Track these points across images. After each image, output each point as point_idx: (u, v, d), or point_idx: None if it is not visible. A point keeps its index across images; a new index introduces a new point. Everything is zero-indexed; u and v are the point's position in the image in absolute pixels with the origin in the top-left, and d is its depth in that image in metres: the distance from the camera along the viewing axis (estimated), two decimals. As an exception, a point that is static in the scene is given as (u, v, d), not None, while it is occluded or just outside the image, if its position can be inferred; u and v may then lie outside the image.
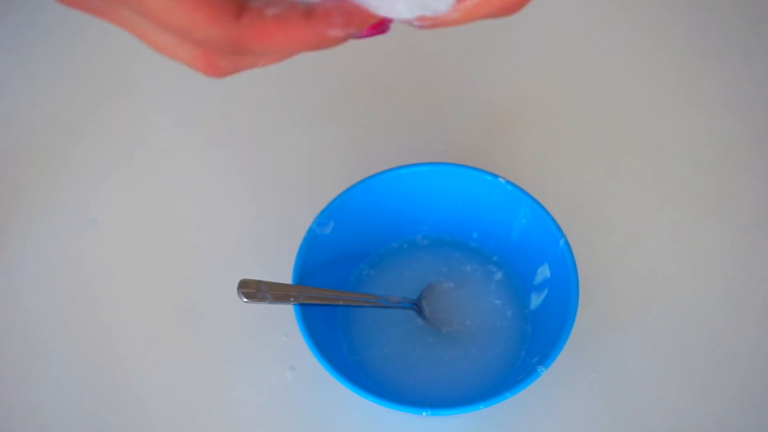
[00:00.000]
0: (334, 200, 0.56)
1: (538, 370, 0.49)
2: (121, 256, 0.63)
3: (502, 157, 0.67)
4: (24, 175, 0.67)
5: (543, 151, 0.67)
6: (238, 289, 0.51)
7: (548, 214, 0.55)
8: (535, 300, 0.57)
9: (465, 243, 0.61)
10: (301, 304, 0.51)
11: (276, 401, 0.56)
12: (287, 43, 0.29)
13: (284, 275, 0.54)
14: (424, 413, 0.48)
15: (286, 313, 0.57)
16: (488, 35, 0.74)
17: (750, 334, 0.58)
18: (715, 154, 0.67)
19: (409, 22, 0.31)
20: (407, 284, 0.59)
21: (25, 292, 0.61)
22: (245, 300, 0.51)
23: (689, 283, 0.61)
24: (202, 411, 0.56)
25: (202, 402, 0.56)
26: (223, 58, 0.30)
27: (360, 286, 0.59)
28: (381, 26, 0.30)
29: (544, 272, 0.56)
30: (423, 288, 0.58)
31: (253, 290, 0.52)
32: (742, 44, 0.73)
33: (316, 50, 0.30)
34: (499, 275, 0.59)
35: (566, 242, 0.53)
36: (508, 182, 0.56)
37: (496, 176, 0.56)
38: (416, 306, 0.57)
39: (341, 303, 0.54)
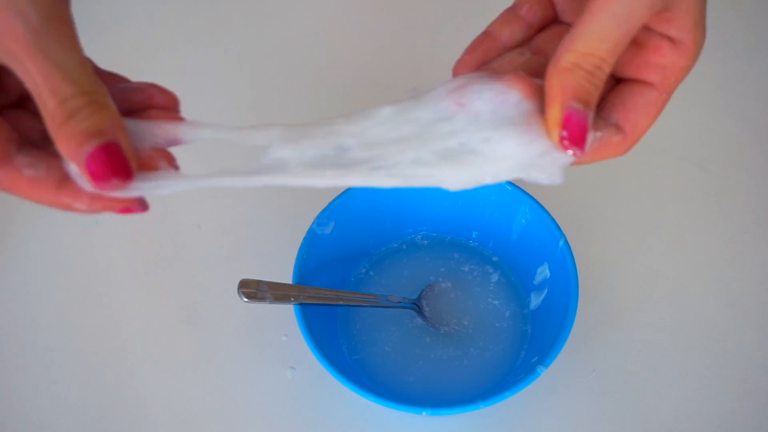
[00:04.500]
0: (334, 200, 0.56)
1: (538, 369, 0.49)
2: (122, 256, 0.63)
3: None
4: (24, 175, 0.67)
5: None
6: (238, 289, 0.51)
7: (548, 214, 0.55)
8: (535, 300, 0.57)
9: (465, 243, 0.61)
10: (301, 304, 0.51)
11: (276, 401, 0.56)
12: (40, 202, 0.32)
13: (284, 275, 0.54)
14: (423, 413, 0.48)
15: (286, 313, 0.57)
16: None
17: (749, 333, 0.58)
18: (715, 154, 0.67)
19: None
20: (407, 284, 0.59)
21: (25, 292, 0.61)
22: (245, 300, 0.51)
23: (689, 283, 0.61)
24: (202, 410, 0.56)
25: (202, 402, 0.57)
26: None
27: (360, 286, 0.59)
28: (131, 210, 0.34)
29: (543, 272, 0.56)
30: (423, 288, 0.58)
31: (253, 290, 0.52)
32: (741, 44, 0.73)
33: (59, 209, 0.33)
34: (498, 275, 0.59)
35: (566, 242, 0.53)
36: (508, 182, 0.56)
37: (496, 176, 0.56)
38: (416, 306, 0.57)
39: (341, 303, 0.54)
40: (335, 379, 0.49)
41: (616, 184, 0.66)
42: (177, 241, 0.64)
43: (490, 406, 0.49)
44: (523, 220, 0.56)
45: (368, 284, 0.59)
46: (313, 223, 0.55)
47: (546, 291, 0.56)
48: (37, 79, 0.30)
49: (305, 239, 0.54)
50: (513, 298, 0.58)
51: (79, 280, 0.62)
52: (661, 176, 0.66)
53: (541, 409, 0.55)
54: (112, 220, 0.65)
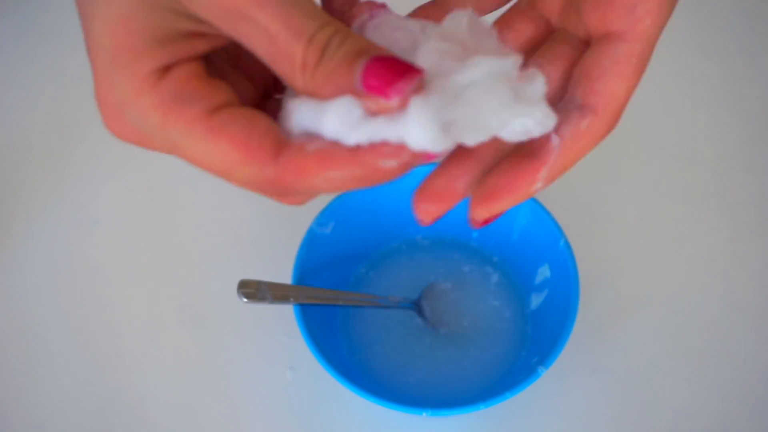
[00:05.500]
0: (334, 200, 0.56)
1: (539, 370, 0.49)
2: (121, 256, 0.63)
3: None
4: (24, 175, 0.67)
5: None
6: (238, 289, 0.51)
7: (548, 214, 0.55)
8: (536, 300, 0.57)
9: (465, 243, 0.61)
10: (301, 304, 0.51)
11: (276, 401, 0.56)
12: (333, 182, 0.26)
13: (284, 275, 0.54)
14: (423, 413, 0.48)
15: (286, 313, 0.57)
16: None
17: (750, 333, 0.58)
18: (715, 154, 0.67)
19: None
20: (407, 284, 0.59)
21: (25, 292, 0.61)
22: (245, 300, 0.51)
23: (689, 283, 0.61)
24: (202, 411, 0.56)
25: (202, 402, 0.56)
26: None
27: (360, 286, 0.59)
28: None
29: (544, 272, 0.56)
30: (423, 288, 0.58)
31: (253, 290, 0.52)
32: (742, 43, 0.73)
33: (371, 186, 0.27)
34: (499, 275, 0.59)
35: (566, 242, 0.53)
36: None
37: (496, 176, 0.56)
38: (416, 306, 0.57)
39: (341, 303, 0.54)
40: (335, 379, 0.49)
41: (616, 183, 0.65)
42: (177, 241, 0.64)
43: (490, 407, 0.48)
44: (524, 220, 0.56)
45: (368, 284, 0.59)
46: (313, 223, 0.55)
47: (546, 291, 0.56)
48: (273, 28, 0.25)
49: (305, 239, 0.54)
50: (513, 298, 0.58)
51: (79, 280, 0.62)
52: (661, 176, 0.66)
53: (541, 410, 0.55)
54: (112, 220, 0.65)
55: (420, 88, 0.26)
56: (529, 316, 0.57)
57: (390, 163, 0.26)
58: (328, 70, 0.25)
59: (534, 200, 0.55)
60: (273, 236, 0.63)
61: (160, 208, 0.65)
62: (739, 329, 0.58)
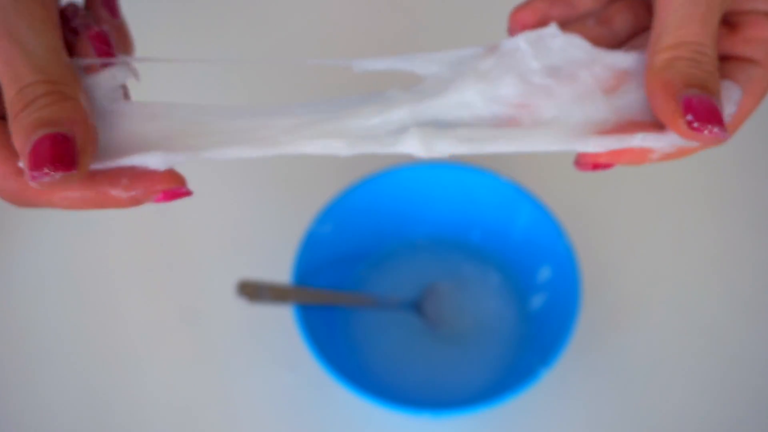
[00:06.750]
0: (334, 200, 0.56)
1: (539, 371, 0.49)
2: (121, 255, 0.63)
3: (503, 157, 0.66)
4: (23, 175, 0.67)
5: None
6: (237, 289, 0.51)
7: (550, 213, 0.54)
8: (537, 300, 0.57)
9: (465, 243, 0.60)
10: (301, 305, 0.51)
11: (275, 403, 0.56)
12: (70, 201, 0.29)
13: (284, 275, 0.54)
14: (424, 414, 0.48)
15: (286, 313, 0.57)
16: (489, 34, 0.73)
17: (754, 334, 0.58)
18: (715, 154, 0.67)
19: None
20: (407, 284, 0.59)
21: (25, 292, 0.61)
22: (245, 300, 0.51)
23: (691, 284, 0.60)
24: (201, 411, 0.56)
25: (201, 402, 0.56)
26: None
27: (360, 286, 0.59)
28: (174, 194, 0.31)
29: (545, 273, 0.56)
30: (423, 288, 0.58)
31: (253, 290, 0.52)
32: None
33: (102, 209, 0.30)
34: (499, 275, 0.59)
35: (568, 242, 0.53)
36: (509, 182, 0.56)
37: (497, 176, 0.56)
38: (416, 306, 0.57)
39: (341, 303, 0.54)
40: (335, 379, 0.49)
41: (618, 183, 0.65)
42: (177, 241, 0.63)
43: (491, 408, 0.48)
44: (525, 220, 0.56)
45: (368, 284, 0.59)
46: (313, 223, 0.55)
47: (548, 291, 0.55)
48: None
49: (305, 239, 0.54)
50: (514, 298, 0.58)
51: (79, 281, 0.62)
52: (663, 175, 0.66)
53: (542, 411, 0.55)
54: (110, 219, 0.65)
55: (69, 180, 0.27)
56: (530, 316, 0.57)
57: (121, 194, 0.29)
58: (17, 128, 0.27)
59: (536, 200, 0.55)
60: (273, 236, 0.62)
61: (159, 207, 0.65)
62: (741, 329, 0.58)
